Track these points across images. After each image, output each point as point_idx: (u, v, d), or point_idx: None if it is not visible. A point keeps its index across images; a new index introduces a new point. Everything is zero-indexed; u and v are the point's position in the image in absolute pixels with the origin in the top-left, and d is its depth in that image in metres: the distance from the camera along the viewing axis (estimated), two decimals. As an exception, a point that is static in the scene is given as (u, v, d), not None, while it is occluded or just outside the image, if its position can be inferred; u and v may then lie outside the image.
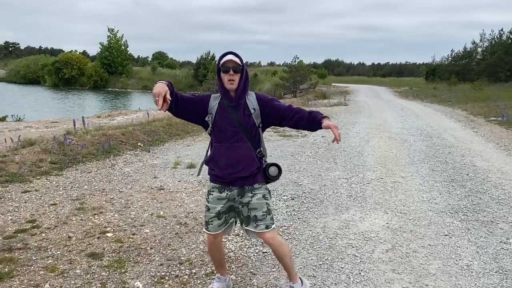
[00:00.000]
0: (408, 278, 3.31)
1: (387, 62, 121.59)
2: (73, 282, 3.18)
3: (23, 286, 3.12)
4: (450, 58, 46.55)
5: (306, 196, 5.46)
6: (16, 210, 4.80)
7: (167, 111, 2.64)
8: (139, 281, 3.22)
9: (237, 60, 2.65)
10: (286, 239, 4.06)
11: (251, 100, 2.76)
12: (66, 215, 4.66)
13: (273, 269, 3.42)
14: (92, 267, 3.41)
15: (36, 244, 3.84)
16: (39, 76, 56.94)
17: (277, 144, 9.40)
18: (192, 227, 4.38)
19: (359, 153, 8.33)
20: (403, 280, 3.28)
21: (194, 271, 3.39)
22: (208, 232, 2.85)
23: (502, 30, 41.72)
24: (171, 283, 3.20)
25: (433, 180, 6.25)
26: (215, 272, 3.15)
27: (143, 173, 6.77)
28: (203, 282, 3.21)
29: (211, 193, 2.81)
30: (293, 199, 5.33)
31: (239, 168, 2.70)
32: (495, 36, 41.55)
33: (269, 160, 2.87)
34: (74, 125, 9.30)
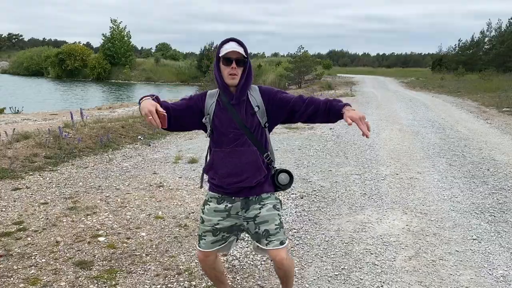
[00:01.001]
0: (436, 292, 2.91)
1: (393, 53, 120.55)
2: (56, 296, 2.80)
3: (0, 301, 2.75)
4: (457, 48, 45.75)
5: (317, 194, 5.05)
6: (3, 210, 4.43)
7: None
8: (132, 295, 2.84)
9: (241, 50, 2.21)
10: (297, 244, 3.66)
11: (254, 95, 2.31)
12: (56, 216, 4.28)
13: (283, 281, 3.03)
14: (79, 279, 3.03)
15: (19, 251, 3.46)
16: (42, 68, 56.58)
17: (282, 137, 8.98)
18: (193, 229, 3.99)
19: (370, 146, 7.90)
20: (432, 294, 2.88)
21: (194, 283, 3.00)
22: (199, 249, 2.41)
23: (511, 18, 40.84)
24: (167, 299, 2.82)
25: (452, 176, 5.82)
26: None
27: (142, 168, 6.39)
28: (204, 297, 2.83)
29: (208, 203, 2.39)
30: (302, 198, 4.92)
31: (243, 177, 2.27)
32: (506, 25, 40.70)
33: (276, 157, 2.44)
34: (72, 117, 8.91)
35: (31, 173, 5.87)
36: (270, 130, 2.39)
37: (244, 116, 2.26)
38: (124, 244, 3.63)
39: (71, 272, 3.12)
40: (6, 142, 7.15)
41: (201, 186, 2.71)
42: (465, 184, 5.44)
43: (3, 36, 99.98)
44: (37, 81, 47.84)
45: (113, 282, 2.99)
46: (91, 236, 3.79)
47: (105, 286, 2.94)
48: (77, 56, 53.13)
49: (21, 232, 3.85)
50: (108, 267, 3.21)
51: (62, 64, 53.08)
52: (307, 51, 31.70)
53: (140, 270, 3.18)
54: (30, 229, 3.93)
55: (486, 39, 43.69)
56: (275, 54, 68.97)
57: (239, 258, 3.42)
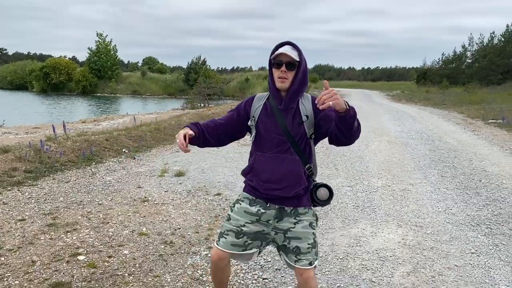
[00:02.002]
0: (438, 310, 2.75)
1: (377, 67, 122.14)
2: (29, 322, 2.57)
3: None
4: (441, 62, 46.52)
5: (308, 207, 4.88)
6: (-23, 228, 4.16)
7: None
8: (112, 319, 2.62)
9: (294, 54, 2.15)
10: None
11: (305, 104, 2.22)
12: (34, 233, 4.03)
13: (276, 301, 2.84)
14: (55, 302, 2.80)
15: (-9, 272, 3.21)
16: (27, 82, 55.87)
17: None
18: (179, 246, 3.78)
19: (360, 158, 7.78)
20: (433, 313, 2.72)
21: (180, 305, 2.80)
22: (217, 247, 2.26)
23: (493, 33, 41.77)
24: (151, 323, 2.60)
25: (445, 188, 5.72)
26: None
27: (126, 182, 6.15)
28: (191, 320, 2.62)
29: (240, 202, 2.29)
30: (293, 211, 4.75)
31: (282, 185, 2.17)
32: (488, 39, 41.57)
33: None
34: (54, 130, 8.64)
35: (9, 188, 5.59)
36: (316, 143, 2.31)
37: (290, 123, 2.19)
38: (106, 263, 3.40)
39: (46, 295, 2.88)
40: (-17, 156, 6.86)
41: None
42: (458, 196, 5.33)
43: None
44: (20, 95, 47.13)
45: (92, 306, 2.76)
46: (70, 254, 3.55)
47: (83, 310, 2.71)
48: (62, 70, 52.62)
49: (-5, 251, 3.60)
50: (87, 289, 2.98)
51: (47, 78, 52.49)
52: (294, 64, 31.75)
53: (122, 292, 2.96)
54: (4, 248, 3.68)
55: (469, 53, 44.58)
56: (262, 68, 69.31)
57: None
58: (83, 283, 3.07)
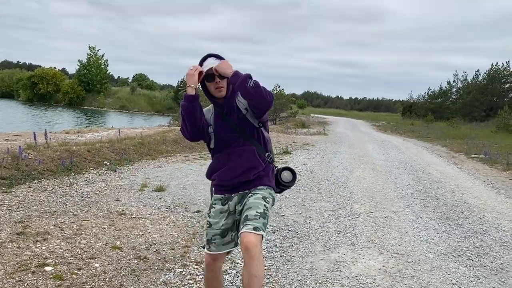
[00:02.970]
0: None
1: (364, 97, 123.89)
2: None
3: None
4: (426, 96, 47.44)
5: (290, 229, 4.78)
6: None
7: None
8: (75, 335, 2.46)
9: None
10: (267, 283, 3.35)
11: (241, 99, 2.42)
12: (1, 241, 3.84)
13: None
14: (15, 314, 2.63)
15: (-51, 279, 3.02)
16: (13, 90, 55.16)
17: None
18: (153, 262, 3.63)
19: (344, 183, 7.74)
20: None
21: (148, 323, 2.65)
22: (210, 253, 2.42)
23: (478, 71, 42.89)
24: None
25: (427, 217, 5.68)
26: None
27: (104, 194, 5.98)
28: None
29: (213, 206, 2.44)
30: (274, 233, 4.64)
31: (242, 170, 2.35)
32: (472, 77, 42.65)
33: None
34: (35, 138, 8.43)
35: (-20, 194, 5.38)
36: (266, 129, 2.49)
37: (236, 120, 2.38)
38: (74, 276, 3.23)
39: (6, 306, 2.71)
40: (-42, 160, 6.63)
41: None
42: (440, 226, 5.29)
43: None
44: (6, 103, 46.43)
45: (55, 319, 2.60)
46: (37, 265, 3.38)
47: (44, 324, 2.54)
48: (50, 80, 52.16)
49: (-43, 257, 3.40)
50: (51, 302, 2.81)
51: (34, 87, 51.95)
52: (283, 89, 32.12)
53: (88, 306, 2.80)
54: (-33, 254, 3.48)
55: (454, 89, 45.60)
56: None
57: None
58: (47, 295, 2.90)
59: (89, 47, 57.11)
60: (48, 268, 3.33)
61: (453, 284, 3.53)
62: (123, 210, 5.17)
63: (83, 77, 54.00)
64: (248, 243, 2.10)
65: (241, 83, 2.19)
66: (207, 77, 2.32)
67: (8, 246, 3.73)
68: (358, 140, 18.91)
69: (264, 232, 2.20)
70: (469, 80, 42.79)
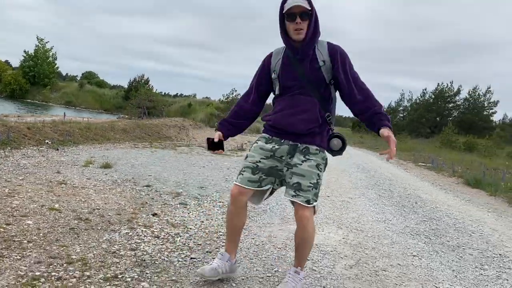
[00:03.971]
0: (383, 301, 2.48)
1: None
2: None
3: None
4: (375, 113, 49.12)
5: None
6: None
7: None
8: (-4, 282, 2.07)
9: (304, 3, 2.15)
10: (222, 246, 3.08)
11: (321, 50, 2.26)
12: None
13: (205, 280, 2.41)
14: None
15: None
16: None
17: (210, 158, 8.45)
18: (96, 224, 3.25)
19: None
20: (378, 303, 2.44)
21: (88, 273, 2.29)
22: (235, 183, 2.32)
23: (425, 89, 45.06)
24: (47, 287, 2.08)
25: (383, 204, 5.64)
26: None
27: (44, 167, 5.46)
28: (99, 290, 2.14)
29: (257, 141, 2.38)
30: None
31: (298, 118, 2.22)
32: (420, 95, 44.71)
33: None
34: (-32, 110, 7.67)
35: None
36: (336, 89, 2.33)
37: (308, 70, 2.23)
38: (1, 229, 2.80)
39: None
40: None
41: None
42: (396, 211, 5.25)
43: None
44: None
45: (-28, 266, 2.19)
46: (-43, 218, 2.91)
47: (-42, 269, 2.13)
48: (-9, 70, 48.91)
49: None
50: (-30, 250, 2.39)
51: (-28, 76, 48.47)
52: (239, 94, 32.04)
53: (16, 256, 2.40)
54: None
55: (401, 108, 47.61)
56: (207, 97, 69.15)
57: (151, 253, 2.75)
58: (-35, 244, 2.46)
59: (37, 38, 54.34)
60: (-31, 222, 2.87)
61: (414, 256, 3.43)
62: (64, 180, 4.71)
63: (28, 69, 51.05)
64: (302, 217, 2.20)
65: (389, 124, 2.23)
66: (288, 16, 2.17)
67: None
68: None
69: (316, 201, 2.25)
70: (416, 99, 44.85)
